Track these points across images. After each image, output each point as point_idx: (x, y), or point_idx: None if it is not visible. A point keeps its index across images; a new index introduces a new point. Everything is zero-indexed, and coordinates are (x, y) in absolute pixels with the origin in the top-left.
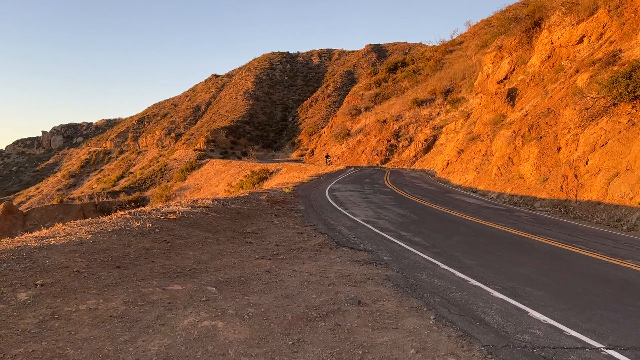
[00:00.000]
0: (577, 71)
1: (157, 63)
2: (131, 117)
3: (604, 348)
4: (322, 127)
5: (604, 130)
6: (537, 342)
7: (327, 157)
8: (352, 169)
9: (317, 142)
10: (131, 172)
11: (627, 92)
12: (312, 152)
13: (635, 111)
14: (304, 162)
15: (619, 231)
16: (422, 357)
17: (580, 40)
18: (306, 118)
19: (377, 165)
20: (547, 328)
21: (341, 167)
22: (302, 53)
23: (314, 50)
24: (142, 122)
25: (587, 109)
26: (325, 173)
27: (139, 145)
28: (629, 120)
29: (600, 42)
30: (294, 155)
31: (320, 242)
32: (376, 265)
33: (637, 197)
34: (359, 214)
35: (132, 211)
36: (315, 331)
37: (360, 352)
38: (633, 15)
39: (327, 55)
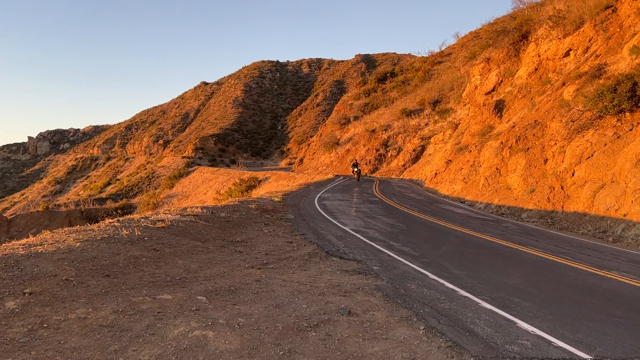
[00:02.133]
0: (564, 84)
1: (146, 70)
2: (119, 123)
3: (591, 359)
4: (311, 136)
5: (590, 143)
6: (525, 352)
7: (354, 165)
8: (341, 177)
9: (306, 150)
10: (118, 179)
11: (613, 105)
12: (301, 160)
13: (620, 124)
14: (293, 171)
15: (604, 242)
16: None
17: (567, 54)
18: (295, 127)
19: (366, 174)
20: (536, 339)
21: (330, 175)
22: (292, 62)
23: (304, 59)
24: (130, 128)
25: (574, 122)
26: (314, 182)
27: (126, 152)
28: (614, 133)
29: (586, 55)
30: (282, 164)
31: (310, 252)
32: (366, 275)
33: (622, 209)
34: (349, 223)
35: (121, 219)
36: (306, 341)
37: None
38: (618, 29)
39: (316, 64)
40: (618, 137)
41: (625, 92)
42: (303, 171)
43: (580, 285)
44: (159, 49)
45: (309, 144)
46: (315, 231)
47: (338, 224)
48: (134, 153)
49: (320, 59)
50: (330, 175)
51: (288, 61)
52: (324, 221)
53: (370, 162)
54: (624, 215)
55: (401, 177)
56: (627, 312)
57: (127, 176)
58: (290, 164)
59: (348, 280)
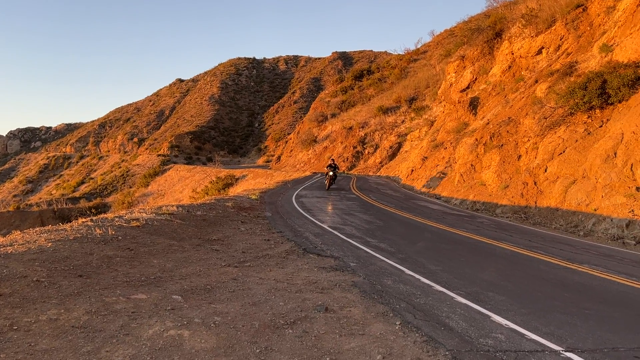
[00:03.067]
0: (537, 81)
1: (120, 66)
2: (92, 121)
3: (562, 351)
4: (288, 133)
5: (562, 139)
6: (499, 346)
7: (330, 167)
8: (319, 175)
9: (283, 148)
10: (92, 178)
11: (583, 102)
12: (279, 158)
13: (591, 121)
14: (270, 168)
15: (576, 237)
16: None
17: (539, 52)
18: (272, 124)
19: (344, 171)
20: (509, 332)
21: (308, 173)
22: (269, 59)
23: (281, 56)
24: (104, 126)
25: (546, 118)
26: (292, 179)
27: (100, 151)
28: (585, 130)
29: (558, 53)
30: (260, 161)
31: (287, 249)
32: (343, 271)
33: (593, 204)
34: (326, 220)
35: (94, 218)
36: (283, 339)
37: (327, 359)
38: (588, 28)
39: (293, 61)
40: (589, 134)
41: (596, 89)
42: (281, 169)
43: (553, 279)
44: (133, 45)
45: (286, 142)
46: (292, 229)
47: (316, 221)
48: (108, 151)
49: (297, 56)
50: (308, 173)
51: (265, 58)
52: (301, 218)
53: (347, 159)
54: (595, 210)
55: (378, 174)
56: (597, 305)
57: (101, 175)
58: (267, 161)
59: (325, 277)
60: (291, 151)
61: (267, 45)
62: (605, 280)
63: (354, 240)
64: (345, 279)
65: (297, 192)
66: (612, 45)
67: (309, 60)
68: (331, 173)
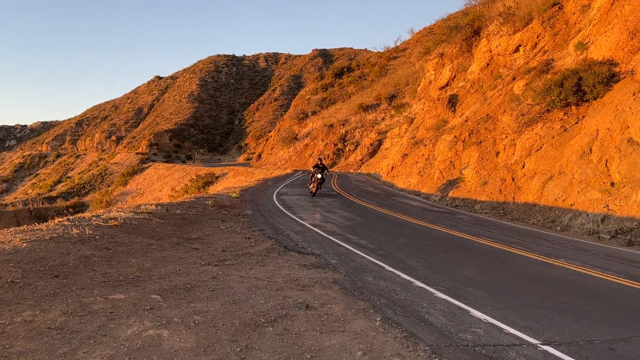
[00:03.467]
0: (514, 79)
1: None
2: (69, 119)
3: (539, 344)
4: (269, 131)
5: (539, 136)
6: (478, 340)
7: (317, 167)
8: (300, 172)
9: (264, 145)
10: (69, 177)
11: (560, 99)
12: (259, 155)
13: (567, 117)
14: (251, 166)
15: (553, 232)
16: (369, 359)
17: (517, 49)
18: (253, 121)
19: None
20: (488, 326)
21: (289, 170)
22: (249, 56)
23: (261, 53)
24: (81, 124)
25: (523, 115)
26: (272, 177)
27: (77, 149)
28: (561, 126)
29: (534, 51)
30: (240, 159)
31: (268, 247)
32: (324, 268)
33: (569, 199)
34: (307, 218)
35: (71, 218)
36: (263, 337)
37: (308, 356)
38: (564, 26)
39: (273, 58)
40: (565, 130)
41: (571, 86)
42: (261, 166)
43: (531, 274)
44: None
45: (267, 139)
46: (273, 226)
47: (297, 218)
48: (86, 150)
49: (277, 53)
50: (289, 170)
51: (244, 55)
52: (282, 216)
53: (328, 156)
54: (571, 205)
55: (359, 171)
56: (573, 298)
57: (79, 174)
58: (248, 159)
59: (306, 274)
60: (272, 149)
61: (247, 42)
62: (581, 274)
63: (335, 237)
64: (326, 276)
65: (278, 189)
66: (587, 43)
67: (289, 57)
68: (319, 175)
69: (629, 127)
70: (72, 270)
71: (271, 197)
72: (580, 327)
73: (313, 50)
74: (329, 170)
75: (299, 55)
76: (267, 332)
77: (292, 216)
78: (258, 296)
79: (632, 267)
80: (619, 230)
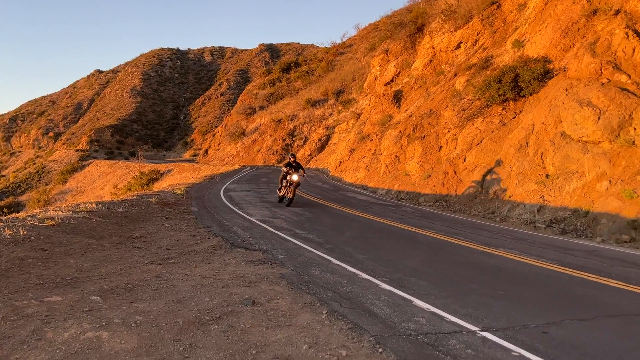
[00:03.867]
0: (456, 75)
1: (31, 57)
2: (2, 115)
3: (478, 330)
4: (216, 126)
5: (479, 130)
6: (421, 329)
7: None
8: (248, 168)
9: (211, 141)
10: (3, 176)
11: (498, 95)
12: (206, 151)
13: (505, 112)
14: (197, 162)
15: (493, 222)
16: (315, 351)
17: (458, 46)
18: (199, 117)
19: (274, 164)
20: (430, 315)
21: (237, 166)
22: (193, 50)
23: (206, 47)
24: (15, 120)
25: (465, 110)
26: (220, 173)
27: (11, 146)
28: (500, 121)
29: (475, 48)
30: (186, 155)
31: (214, 244)
32: (271, 264)
33: (508, 191)
34: (255, 214)
35: (4, 218)
36: (208, 334)
37: (254, 352)
38: (502, 24)
39: (219, 53)
40: (503, 125)
41: (509, 82)
42: (208, 162)
43: (471, 263)
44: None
45: (214, 135)
46: (220, 223)
47: (244, 214)
48: (21, 147)
49: (223, 47)
50: (237, 166)
51: (189, 49)
52: (229, 213)
53: (277, 152)
54: (510, 197)
55: (308, 166)
56: (510, 286)
57: (14, 172)
58: (194, 155)
59: (253, 270)
60: (219, 144)
61: (192, 36)
62: (519, 262)
63: (282, 232)
64: (273, 271)
65: (225, 185)
66: (523, 41)
67: (235, 51)
68: (295, 177)
69: (562, 121)
70: (3, 273)
71: (218, 194)
72: (517, 312)
73: (260, 45)
74: (277, 165)
75: (246, 50)
76: (212, 330)
77: (240, 212)
78: (203, 294)
79: (565, 255)
80: (553, 220)
